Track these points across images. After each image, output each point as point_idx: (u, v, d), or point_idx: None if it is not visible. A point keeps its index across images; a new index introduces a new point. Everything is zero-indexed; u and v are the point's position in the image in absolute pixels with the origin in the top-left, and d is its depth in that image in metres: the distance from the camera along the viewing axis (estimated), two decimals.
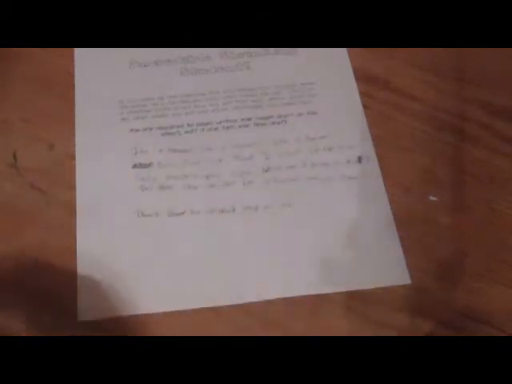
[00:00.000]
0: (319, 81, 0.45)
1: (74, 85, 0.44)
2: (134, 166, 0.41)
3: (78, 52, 0.45)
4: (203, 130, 0.43)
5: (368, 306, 0.36)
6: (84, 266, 0.37)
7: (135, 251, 0.38)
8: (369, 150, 0.42)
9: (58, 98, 0.43)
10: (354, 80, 0.45)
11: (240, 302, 0.37)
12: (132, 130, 0.42)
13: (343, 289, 0.37)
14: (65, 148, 0.41)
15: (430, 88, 0.44)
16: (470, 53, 0.45)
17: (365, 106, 0.43)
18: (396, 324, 0.36)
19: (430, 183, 0.41)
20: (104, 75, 0.45)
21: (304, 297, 0.37)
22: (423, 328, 0.36)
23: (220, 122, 0.43)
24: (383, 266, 0.38)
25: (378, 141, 0.42)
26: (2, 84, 0.44)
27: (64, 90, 0.44)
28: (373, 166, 0.41)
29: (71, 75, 0.44)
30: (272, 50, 0.46)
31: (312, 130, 0.42)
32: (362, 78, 0.45)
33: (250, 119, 0.43)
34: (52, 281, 0.37)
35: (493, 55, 0.44)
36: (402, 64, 0.45)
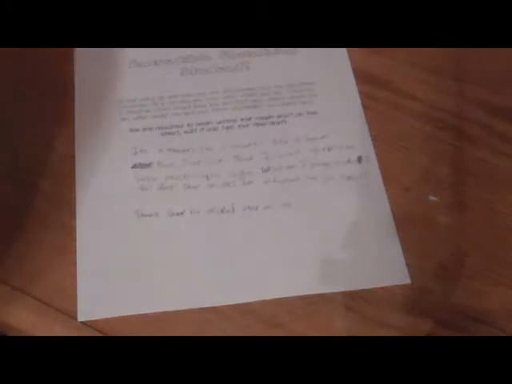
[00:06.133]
0: (319, 81, 0.45)
1: (73, 85, 0.44)
2: (134, 166, 0.41)
3: (78, 52, 0.46)
4: (203, 129, 0.43)
5: (368, 306, 0.36)
6: (84, 266, 0.37)
7: (135, 251, 0.38)
8: (369, 149, 0.42)
9: (58, 97, 0.43)
10: (353, 80, 0.45)
11: (240, 301, 0.37)
12: (132, 129, 0.42)
13: (343, 289, 0.37)
14: (65, 148, 0.41)
15: (430, 88, 0.44)
16: (470, 53, 0.45)
17: (365, 106, 0.43)
18: (396, 324, 0.36)
19: (430, 183, 0.41)
20: (104, 75, 0.45)
21: (304, 297, 0.37)
22: (423, 328, 0.36)
23: (220, 122, 0.43)
24: (383, 266, 0.38)
25: (378, 141, 0.42)
26: (2, 84, 0.44)
27: (64, 90, 0.44)
28: (373, 166, 0.41)
29: (71, 75, 0.44)
30: (272, 49, 0.46)
31: (312, 130, 0.42)
32: (362, 77, 0.45)
33: (249, 119, 0.43)
34: (52, 281, 0.37)
35: (493, 55, 0.44)
36: (401, 64, 0.45)
